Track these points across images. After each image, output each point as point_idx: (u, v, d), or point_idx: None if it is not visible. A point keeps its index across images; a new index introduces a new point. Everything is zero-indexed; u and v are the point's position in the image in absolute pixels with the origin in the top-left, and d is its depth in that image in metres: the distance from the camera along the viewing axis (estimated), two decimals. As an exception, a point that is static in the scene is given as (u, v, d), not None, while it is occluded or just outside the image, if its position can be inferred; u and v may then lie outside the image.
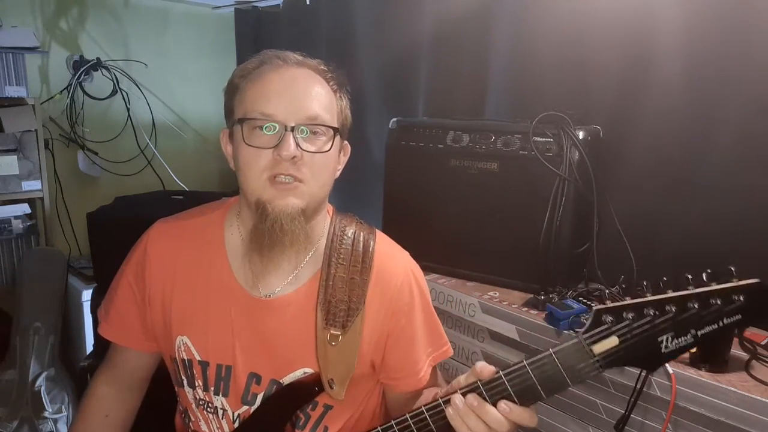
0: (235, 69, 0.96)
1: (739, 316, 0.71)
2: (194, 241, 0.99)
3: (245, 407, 0.95)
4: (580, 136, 1.53)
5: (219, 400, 0.96)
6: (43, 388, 2.15)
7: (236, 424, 0.96)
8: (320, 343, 0.91)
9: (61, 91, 2.63)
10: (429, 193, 1.75)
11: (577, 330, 1.36)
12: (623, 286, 0.82)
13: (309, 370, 0.93)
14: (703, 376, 1.15)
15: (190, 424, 1.01)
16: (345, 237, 0.98)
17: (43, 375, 2.18)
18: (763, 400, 1.06)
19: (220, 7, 3.02)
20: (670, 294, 0.73)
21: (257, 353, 0.94)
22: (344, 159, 1.00)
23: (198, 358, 0.96)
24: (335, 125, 0.92)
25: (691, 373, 1.16)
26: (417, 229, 1.67)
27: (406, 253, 1.04)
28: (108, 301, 1.06)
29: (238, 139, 0.89)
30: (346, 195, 2.31)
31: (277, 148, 0.85)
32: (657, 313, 0.72)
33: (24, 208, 2.45)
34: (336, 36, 2.49)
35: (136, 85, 2.83)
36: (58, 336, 2.28)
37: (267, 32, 2.94)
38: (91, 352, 1.96)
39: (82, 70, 2.63)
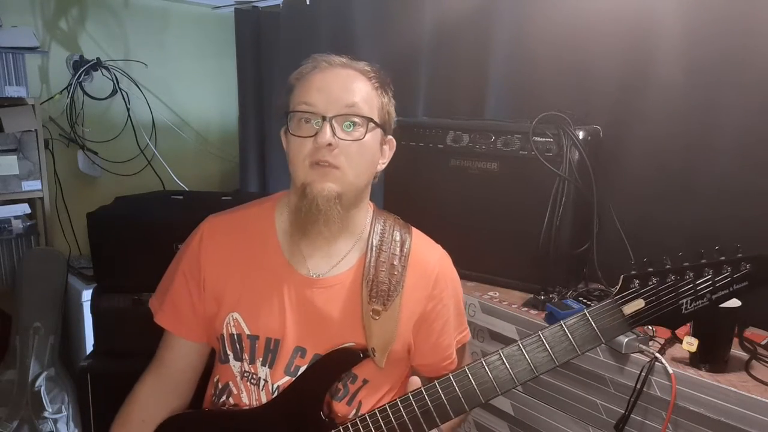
0: (292, 73, 1.06)
1: (746, 283, 0.83)
2: (246, 229, 1.08)
3: (287, 378, 1.02)
4: (580, 136, 1.53)
5: (264, 371, 1.03)
6: (43, 388, 2.15)
7: (274, 395, 1.02)
8: (365, 316, 1.01)
9: (61, 91, 2.63)
10: (429, 193, 1.75)
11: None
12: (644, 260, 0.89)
13: (353, 345, 1.01)
14: (703, 376, 1.15)
15: (231, 398, 1.06)
16: (386, 229, 1.08)
17: (43, 375, 2.18)
18: (763, 400, 1.06)
19: (220, 7, 3.02)
20: (689, 263, 0.84)
21: (305, 328, 1.02)
22: (389, 153, 1.08)
23: (247, 332, 1.03)
24: (372, 116, 1.00)
25: (691, 373, 1.16)
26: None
27: (439, 245, 1.14)
28: (162, 293, 1.13)
29: (288, 132, 1.00)
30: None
31: (316, 137, 0.95)
32: (678, 278, 0.84)
33: (24, 208, 2.45)
34: (336, 36, 2.49)
35: (136, 85, 2.83)
36: (58, 336, 2.28)
37: (267, 32, 2.94)
38: (91, 352, 1.96)
39: (82, 70, 2.63)
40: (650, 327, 1.33)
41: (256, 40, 3.00)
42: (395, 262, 1.05)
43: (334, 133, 0.95)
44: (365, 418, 0.97)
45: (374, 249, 1.05)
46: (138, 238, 1.86)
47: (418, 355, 1.09)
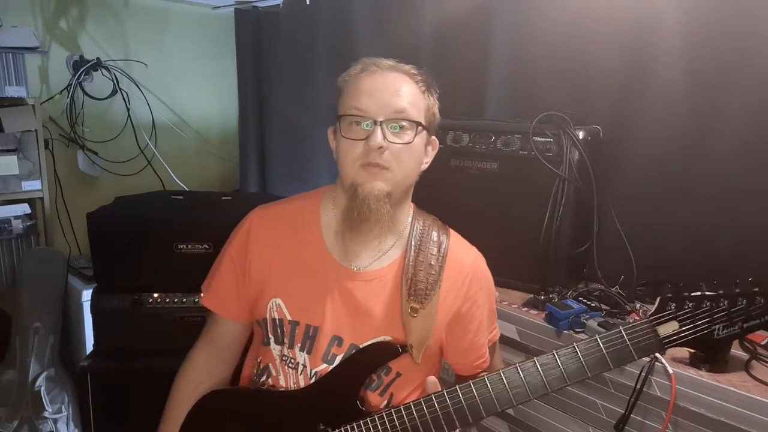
0: (341, 75, 1.10)
1: None
2: (292, 221, 1.13)
3: (324, 365, 1.06)
4: (580, 136, 1.53)
5: (302, 357, 1.07)
6: (43, 388, 2.15)
7: (312, 380, 1.07)
8: (404, 313, 1.04)
9: (61, 91, 2.62)
10: (429, 193, 1.74)
11: (578, 330, 1.37)
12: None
13: (390, 340, 1.05)
14: (703, 376, 1.15)
15: (269, 380, 1.11)
16: (425, 228, 1.12)
17: (43, 375, 2.18)
18: (763, 400, 1.06)
19: (220, 7, 3.02)
20: (724, 291, 0.87)
21: (343, 318, 1.06)
22: (432, 153, 1.13)
23: (289, 318, 1.08)
24: (420, 120, 1.04)
25: (691, 373, 1.16)
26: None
27: (474, 247, 1.17)
28: (211, 277, 1.19)
29: (339, 133, 1.04)
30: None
31: (368, 140, 0.99)
32: (713, 305, 0.87)
33: (24, 208, 2.45)
34: (336, 36, 2.49)
35: (136, 85, 2.83)
36: (58, 336, 2.28)
37: (267, 32, 2.94)
38: (91, 352, 1.96)
39: (82, 70, 2.63)
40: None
41: (256, 40, 3.00)
42: (433, 262, 1.08)
43: (384, 137, 0.99)
44: (399, 410, 0.99)
45: (414, 248, 1.09)
46: (138, 238, 1.86)
47: (452, 354, 1.13)
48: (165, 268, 1.84)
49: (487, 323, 1.15)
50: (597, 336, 0.90)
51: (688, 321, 0.87)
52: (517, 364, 0.93)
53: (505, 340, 1.50)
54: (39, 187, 2.45)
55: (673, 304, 0.88)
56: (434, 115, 1.11)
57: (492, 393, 0.94)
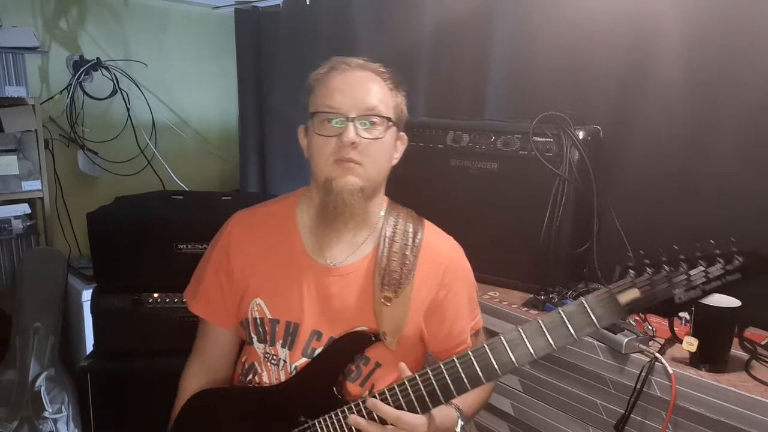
0: (311, 74, 1.11)
1: (738, 275, 0.85)
2: (270, 223, 1.17)
3: (303, 360, 1.09)
4: (580, 136, 1.53)
5: (284, 353, 1.11)
6: (43, 388, 2.15)
7: (292, 374, 1.10)
8: (376, 302, 1.07)
9: (61, 91, 2.63)
10: (429, 193, 1.75)
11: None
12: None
13: (365, 329, 1.08)
14: (703, 376, 1.15)
15: (255, 377, 1.14)
16: (399, 220, 1.15)
17: (43, 375, 2.18)
18: (763, 400, 1.06)
19: (220, 7, 3.02)
20: (684, 255, 0.87)
21: (321, 313, 1.09)
22: (402, 148, 1.16)
23: (269, 316, 1.11)
24: (390, 116, 1.08)
25: (691, 373, 1.16)
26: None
27: (451, 237, 1.19)
28: (195, 284, 1.22)
29: (311, 130, 1.07)
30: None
31: (341, 136, 1.02)
32: (672, 269, 0.86)
33: (24, 208, 2.45)
34: (336, 36, 2.49)
35: (136, 85, 2.83)
36: (58, 336, 2.28)
37: (267, 32, 2.94)
38: (91, 352, 1.96)
39: (82, 70, 2.63)
40: (650, 327, 1.34)
41: (256, 40, 3.00)
42: (407, 252, 1.11)
43: (357, 133, 1.02)
44: (374, 396, 0.99)
45: (387, 239, 1.12)
46: (138, 238, 1.86)
47: (433, 343, 1.15)
48: (165, 268, 1.84)
49: (468, 311, 1.17)
50: (559, 309, 0.91)
51: (647, 287, 0.87)
52: (485, 343, 0.94)
53: (505, 340, 1.50)
54: (39, 187, 2.45)
55: (633, 272, 0.88)
56: (402, 112, 1.13)
57: (461, 372, 0.95)
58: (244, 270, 1.14)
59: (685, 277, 0.86)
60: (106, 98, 2.76)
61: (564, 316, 0.89)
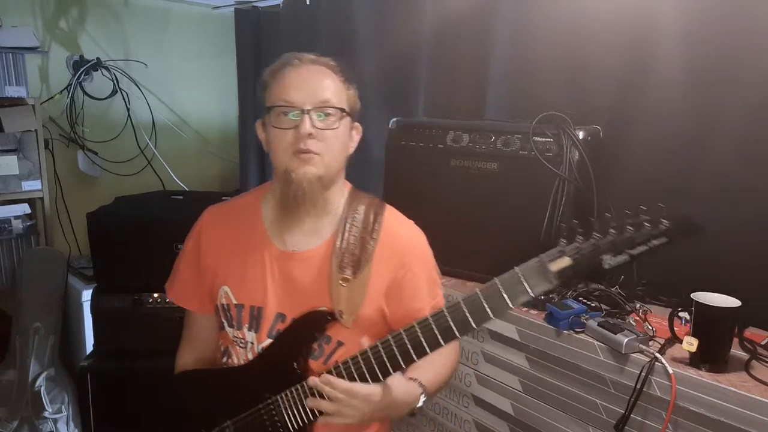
0: (265, 70, 1.17)
1: (665, 239, 0.88)
2: (237, 216, 1.24)
3: (269, 341, 1.15)
4: (580, 136, 1.53)
5: (251, 335, 1.17)
6: (43, 388, 2.15)
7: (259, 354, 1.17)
8: (333, 283, 1.12)
9: (61, 91, 2.63)
10: (429, 193, 1.75)
11: (576, 329, 1.37)
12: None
13: (323, 309, 1.12)
14: (703, 376, 1.15)
15: (229, 360, 1.21)
16: (359, 206, 1.19)
17: (43, 375, 2.18)
18: (763, 400, 1.06)
19: (220, 7, 3.02)
20: (614, 222, 0.89)
21: (284, 297, 1.15)
22: (357, 137, 1.20)
23: (234, 302, 1.18)
24: (344, 107, 1.12)
25: (691, 373, 1.16)
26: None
27: (412, 222, 1.24)
28: (173, 276, 1.31)
29: (269, 125, 1.12)
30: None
31: (298, 128, 1.07)
32: (600, 236, 0.89)
33: (24, 208, 2.45)
34: (336, 36, 2.49)
35: (136, 85, 2.83)
36: (58, 336, 2.28)
37: (267, 32, 2.94)
38: (91, 352, 1.96)
39: (82, 70, 2.63)
40: (650, 327, 1.34)
41: (256, 40, 3.00)
42: (366, 236, 1.16)
43: (313, 124, 1.07)
44: (331, 370, 1.05)
45: (347, 224, 1.17)
46: (138, 238, 1.86)
47: (394, 322, 1.18)
48: (165, 268, 1.84)
49: (427, 290, 1.21)
50: (495, 279, 0.95)
51: (577, 255, 0.90)
52: (429, 316, 0.99)
53: (505, 340, 1.50)
54: (39, 187, 2.46)
55: (564, 241, 0.91)
56: (355, 103, 1.18)
57: (408, 343, 1.00)
58: (212, 260, 1.21)
59: (611, 242, 0.88)
60: (106, 98, 2.76)
61: (500, 286, 0.94)
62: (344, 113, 1.13)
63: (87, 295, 2.21)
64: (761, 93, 1.40)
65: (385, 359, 1.02)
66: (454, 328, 0.97)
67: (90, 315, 1.92)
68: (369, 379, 1.02)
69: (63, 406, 2.18)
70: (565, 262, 0.90)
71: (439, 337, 0.98)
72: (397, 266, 1.16)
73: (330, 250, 1.15)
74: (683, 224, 0.89)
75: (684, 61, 1.53)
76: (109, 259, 1.89)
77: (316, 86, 1.10)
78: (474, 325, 0.97)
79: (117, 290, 1.88)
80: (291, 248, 1.17)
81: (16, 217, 2.42)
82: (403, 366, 1.01)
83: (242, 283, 1.18)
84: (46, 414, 2.12)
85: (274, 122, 1.10)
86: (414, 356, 1.00)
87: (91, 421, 1.88)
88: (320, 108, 1.09)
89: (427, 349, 0.99)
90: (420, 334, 0.99)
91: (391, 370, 1.02)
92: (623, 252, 0.88)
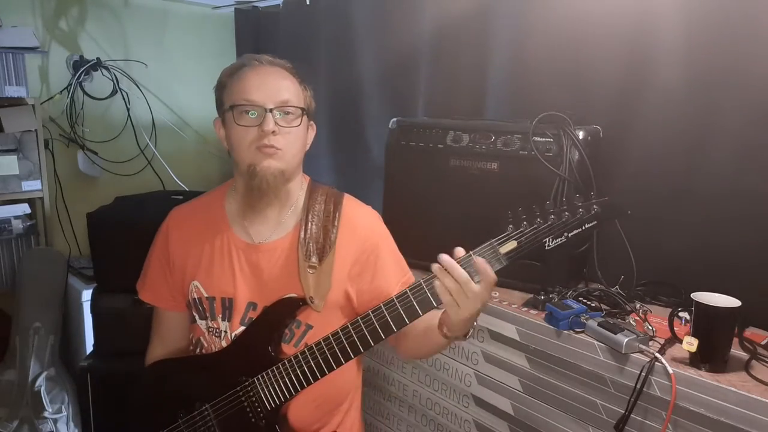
0: (222, 70, 1.26)
1: (595, 222, 1.02)
2: (202, 214, 1.31)
3: (242, 328, 1.22)
4: (580, 136, 1.53)
5: (224, 325, 1.23)
6: (43, 388, 2.15)
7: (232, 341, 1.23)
8: (302, 271, 1.20)
9: (61, 91, 2.63)
10: (429, 193, 1.75)
11: (575, 329, 1.37)
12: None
13: (294, 296, 1.20)
14: (703, 376, 1.15)
15: (202, 350, 1.27)
16: (319, 196, 1.27)
17: (43, 375, 2.18)
18: (763, 400, 1.06)
19: (220, 7, 3.02)
20: (553, 209, 1.03)
21: (254, 287, 1.22)
22: (312, 134, 1.28)
23: (206, 295, 1.25)
24: (302, 106, 1.21)
25: (691, 373, 1.16)
26: (417, 228, 1.67)
27: (370, 207, 1.33)
28: (143, 276, 1.37)
29: (230, 123, 1.19)
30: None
31: (261, 125, 1.14)
32: (542, 221, 1.02)
33: (24, 208, 2.45)
34: (336, 36, 2.49)
35: (136, 85, 2.83)
36: (58, 336, 2.28)
37: (267, 32, 2.94)
38: (91, 352, 1.96)
39: (82, 70, 2.63)
40: (650, 327, 1.34)
41: (256, 40, 3.00)
42: (328, 224, 1.24)
43: (275, 122, 1.15)
44: (304, 351, 1.14)
45: (309, 214, 1.24)
46: (138, 238, 1.85)
47: (360, 302, 1.26)
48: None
49: (394, 270, 1.28)
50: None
51: (522, 238, 1.02)
52: (394, 297, 1.08)
53: (505, 340, 1.50)
54: (39, 187, 2.46)
55: (511, 226, 1.03)
56: (311, 103, 1.26)
57: (375, 323, 1.09)
58: (180, 257, 1.28)
59: (550, 225, 1.01)
60: (106, 98, 2.76)
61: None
62: (303, 112, 1.20)
63: (87, 295, 2.21)
64: (761, 93, 1.40)
65: (356, 339, 1.10)
66: (417, 307, 1.05)
67: (90, 315, 1.92)
68: (342, 359, 1.12)
69: (63, 406, 2.18)
70: (512, 245, 1.02)
71: (404, 316, 1.06)
72: (359, 250, 1.24)
73: (295, 240, 1.22)
74: (609, 209, 1.02)
75: (684, 61, 1.53)
76: (110, 259, 1.89)
77: (276, 86, 1.18)
78: (434, 304, 1.05)
79: (117, 290, 1.87)
80: (257, 240, 1.24)
81: (16, 217, 2.42)
82: (372, 344, 1.09)
83: (211, 276, 1.24)
84: (46, 414, 2.12)
85: (237, 120, 1.17)
86: (382, 334, 1.08)
87: (91, 421, 1.88)
88: (281, 107, 1.16)
89: (394, 328, 1.07)
90: (387, 315, 1.07)
91: (361, 349, 1.11)
92: (562, 235, 1.01)
